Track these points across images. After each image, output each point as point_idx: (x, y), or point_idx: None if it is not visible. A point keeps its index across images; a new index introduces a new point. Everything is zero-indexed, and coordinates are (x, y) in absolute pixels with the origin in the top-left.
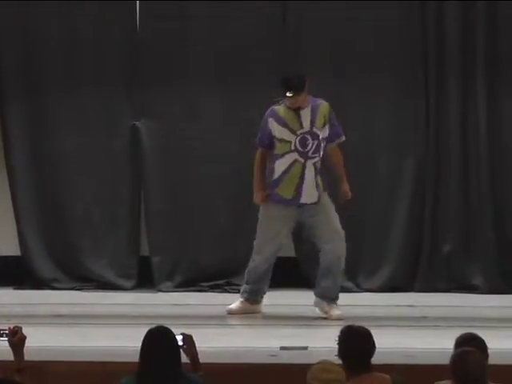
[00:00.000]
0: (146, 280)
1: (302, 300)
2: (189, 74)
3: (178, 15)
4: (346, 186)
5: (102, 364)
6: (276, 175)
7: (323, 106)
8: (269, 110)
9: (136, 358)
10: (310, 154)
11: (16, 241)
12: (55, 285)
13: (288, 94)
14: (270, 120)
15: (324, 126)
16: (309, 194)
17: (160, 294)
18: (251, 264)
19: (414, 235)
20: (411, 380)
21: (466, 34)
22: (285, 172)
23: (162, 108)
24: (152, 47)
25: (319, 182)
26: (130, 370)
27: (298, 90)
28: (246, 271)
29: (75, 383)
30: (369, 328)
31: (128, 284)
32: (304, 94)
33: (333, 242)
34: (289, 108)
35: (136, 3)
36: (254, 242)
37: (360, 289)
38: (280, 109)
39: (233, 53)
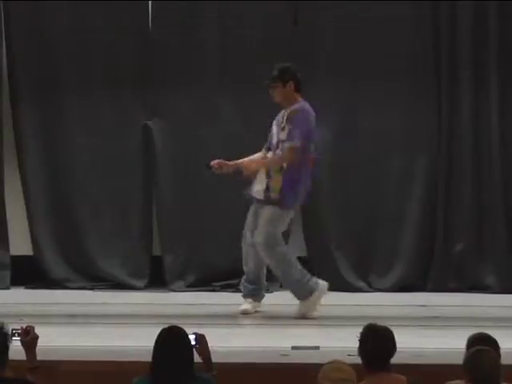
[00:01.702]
0: (158, 279)
1: None
2: (200, 75)
3: (189, 16)
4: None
5: (114, 364)
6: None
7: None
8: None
9: (148, 358)
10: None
11: (28, 240)
12: (67, 284)
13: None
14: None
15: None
16: (254, 189)
17: (172, 293)
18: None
19: (426, 235)
20: (423, 380)
21: (479, 35)
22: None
23: (174, 108)
24: (164, 47)
25: None
26: (142, 370)
27: (275, 77)
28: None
29: (87, 383)
30: None
31: (140, 283)
32: (281, 87)
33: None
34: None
35: (148, 3)
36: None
37: (372, 288)
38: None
39: (245, 53)
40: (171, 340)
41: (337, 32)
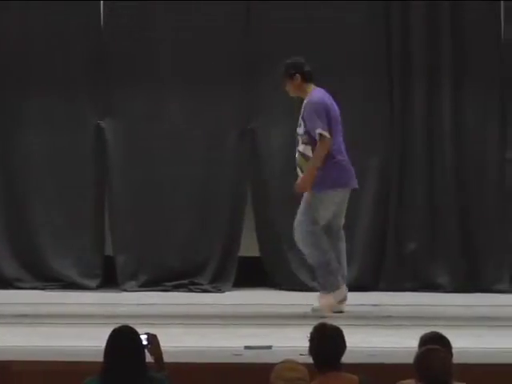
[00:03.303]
0: (110, 279)
1: (265, 299)
2: (153, 74)
3: (141, 15)
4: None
5: (66, 364)
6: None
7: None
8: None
9: (100, 358)
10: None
11: None
12: (19, 284)
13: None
14: None
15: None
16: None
17: (124, 293)
18: (320, 245)
19: (379, 235)
20: (375, 379)
21: (431, 34)
22: None
23: (127, 107)
24: (116, 46)
25: None
26: (93, 370)
27: (283, 74)
28: (325, 255)
29: (39, 383)
30: None
31: (92, 283)
32: (289, 82)
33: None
34: None
35: (100, 3)
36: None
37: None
38: None
39: (196, 53)
40: (123, 340)
41: (289, 32)
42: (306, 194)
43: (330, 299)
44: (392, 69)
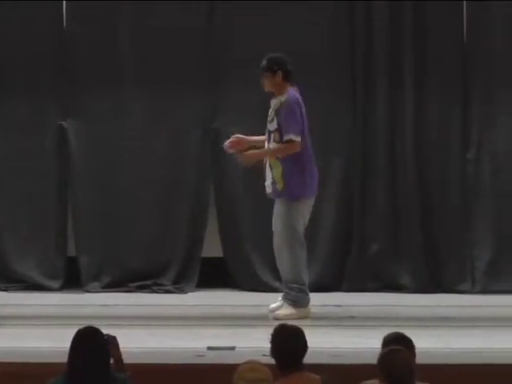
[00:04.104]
0: (73, 281)
1: (228, 300)
2: (116, 74)
3: (104, 15)
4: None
5: (30, 365)
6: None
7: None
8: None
9: (63, 359)
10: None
11: None
12: None
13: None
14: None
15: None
16: (267, 185)
17: (87, 294)
18: (298, 261)
19: (341, 235)
20: (338, 380)
21: (394, 35)
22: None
23: (90, 108)
24: (79, 47)
25: None
26: (57, 371)
27: (264, 67)
28: (301, 273)
29: None
30: None
31: (55, 284)
32: (270, 77)
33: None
34: None
35: (63, 3)
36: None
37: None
38: None
39: (159, 53)
40: (87, 341)
41: (252, 32)
42: (277, 207)
43: (293, 313)
44: (355, 69)
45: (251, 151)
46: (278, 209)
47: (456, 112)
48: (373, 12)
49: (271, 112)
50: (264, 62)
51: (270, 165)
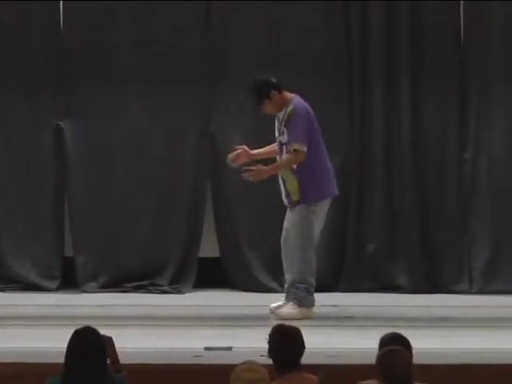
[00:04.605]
0: (69, 281)
1: (225, 300)
2: (113, 74)
3: (101, 15)
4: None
5: (27, 365)
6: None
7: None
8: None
9: (60, 360)
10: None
11: None
12: None
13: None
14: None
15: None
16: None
17: (84, 294)
18: (310, 264)
19: (338, 235)
20: (335, 380)
21: (390, 35)
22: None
23: (87, 108)
24: (76, 46)
25: None
26: (54, 372)
27: (257, 102)
28: (311, 275)
29: None
30: None
31: (52, 285)
32: (268, 101)
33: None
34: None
35: (60, 3)
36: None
37: (284, 289)
38: None
39: (157, 51)
40: (84, 341)
41: (249, 32)
42: (294, 210)
43: (297, 312)
44: (351, 69)
45: (260, 167)
46: (295, 212)
47: (453, 112)
48: (369, 12)
49: (280, 124)
50: (254, 96)
51: (282, 178)
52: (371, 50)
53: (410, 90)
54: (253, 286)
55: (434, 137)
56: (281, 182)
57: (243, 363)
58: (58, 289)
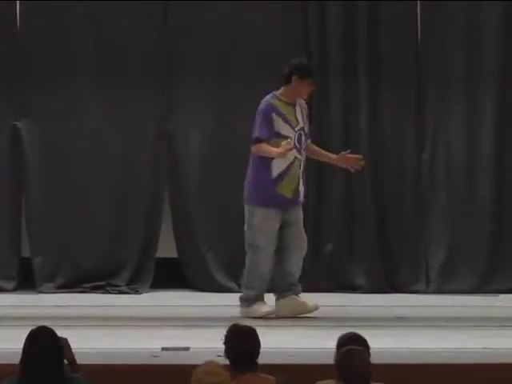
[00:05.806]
0: (27, 281)
1: (183, 300)
2: (70, 74)
3: (58, 15)
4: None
5: None
6: (275, 173)
7: (303, 103)
8: (267, 104)
9: (17, 360)
10: (302, 150)
11: None
12: None
13: (310, 82)
14: (274, 115)
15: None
16: (302, 192)
17: (41, 295)
18: (252, 265)
19: None
20: (294, 380)
21: (348, 35)
22: (287, 169)
23: (43, 108)
24: (33, 47)
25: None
26: (10, 373)
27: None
28: (249, 275)
29: None
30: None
31: (9, 285)
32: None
33: (301, 238)
34: (286, 103)
35: (16, 3)
36: (251, 243)
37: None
38: (277, 103)
39: (114, 51)
40: (40, 340)
41: (206, 33)
42: (300, 213)
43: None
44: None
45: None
46: (300, 214)
47: (411, 112)
48: (326, 12)
49: (304, 115)
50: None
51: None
52: (329, 51)
53: (368, 90)
54: (211, 286)
55: (391, 137)
56: (301, 180)
57: (204, 365)
58: (15, 289)
